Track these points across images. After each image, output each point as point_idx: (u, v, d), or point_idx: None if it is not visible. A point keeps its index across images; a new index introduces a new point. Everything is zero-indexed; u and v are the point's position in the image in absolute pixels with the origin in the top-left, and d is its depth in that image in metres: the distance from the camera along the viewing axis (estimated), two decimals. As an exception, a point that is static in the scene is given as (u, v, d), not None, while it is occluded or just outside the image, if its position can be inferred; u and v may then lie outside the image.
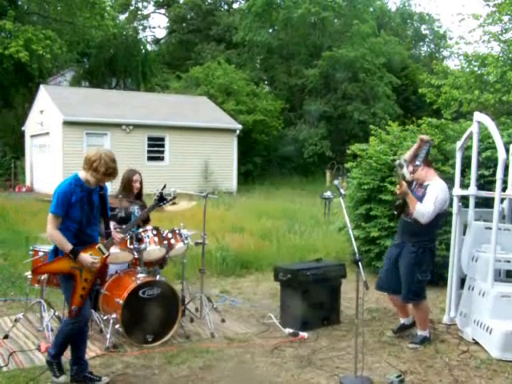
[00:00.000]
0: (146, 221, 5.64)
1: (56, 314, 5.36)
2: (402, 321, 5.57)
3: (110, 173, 3.98)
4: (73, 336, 4.13)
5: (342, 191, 4.74)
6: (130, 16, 40.65)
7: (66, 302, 4.21)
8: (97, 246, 4.11)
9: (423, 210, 5.02)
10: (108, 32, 28.97)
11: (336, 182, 4.92)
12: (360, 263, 4.28)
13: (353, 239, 4.60)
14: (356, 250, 4.46)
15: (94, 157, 3.94)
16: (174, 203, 5.66)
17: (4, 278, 7.41)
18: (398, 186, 5.11)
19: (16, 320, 5.35)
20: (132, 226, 4.70)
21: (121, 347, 4.95)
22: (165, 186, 4.54)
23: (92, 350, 4.82)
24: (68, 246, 3.95)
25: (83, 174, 4.04)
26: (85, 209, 4.04)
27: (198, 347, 5.05)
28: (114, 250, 4.15)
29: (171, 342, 5.13)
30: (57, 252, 4.08)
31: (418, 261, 5.18)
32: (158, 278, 5.17)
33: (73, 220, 4.00)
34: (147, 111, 21.86)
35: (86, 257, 4.00)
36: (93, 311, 5.02)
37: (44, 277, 5.21)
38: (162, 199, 4.57)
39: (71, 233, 4.01)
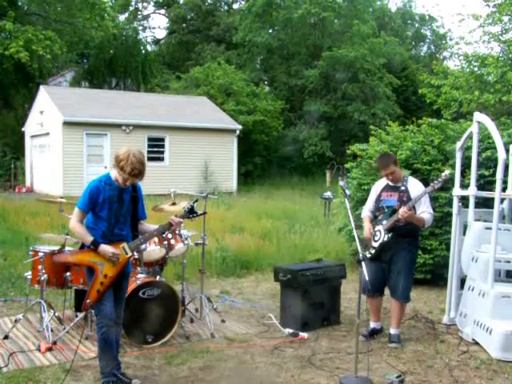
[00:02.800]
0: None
1: (56, 314, 5.36)
2: (373, 325, 5.50)
3: (135, 174, 3.92)
4: (109, 340, 4.08)
5: (347, 192, 4.75)
6: (130, 16, 40.65)
7: None
8: (121, 245, 4.10)
9: (430, 217, 5.16)
10: (108, 32, 28.93)
11: (342, 183, 4.90)
12: (363, 263, 4.29)
13: (357, 239, 4.60)
14: (359, 249, 4.47)
15: (122, 156, 3.92)
16: (173, 203, 5.68)
17: (4, 279, 7.40)
18: (400, 214, 5.03)
19: (16, 320, 5.36)
20: (156, 235, 4.60)
21: (121, 347, 4.93)
22: (196, 201, 4.51)
23: (92, 351, 4.82)
24: (89, 238, 3.99)
25: (114, 173, 4.04)
26: (113, 207, 4.05)
27: (197, 348, 5.05)
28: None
29: (171, 343, 5.13)
30: (83, 246, 4.14)
31: (414, 258, 5.37)
32: (157, 278, 5.17)
33: (102, 219, 4.03)
34: (147, 111, 21.84)
35: (107, 247, 4.00)
36: (93, 312, 5.01)
37: (44, 277, 5.21)
38: (191, 212, 4.45)
39: (100, 232, 4.04)
